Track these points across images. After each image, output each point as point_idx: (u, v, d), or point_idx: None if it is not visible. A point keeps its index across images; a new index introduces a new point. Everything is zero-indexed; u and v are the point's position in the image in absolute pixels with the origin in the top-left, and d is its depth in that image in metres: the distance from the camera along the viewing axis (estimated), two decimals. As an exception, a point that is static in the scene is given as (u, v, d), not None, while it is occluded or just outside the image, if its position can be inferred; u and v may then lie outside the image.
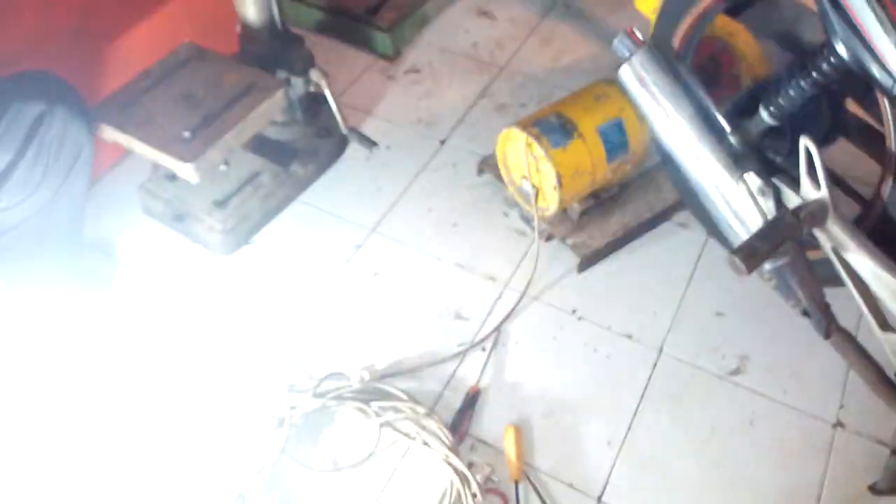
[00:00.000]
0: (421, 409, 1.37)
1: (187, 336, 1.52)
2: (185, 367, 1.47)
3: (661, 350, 1.48)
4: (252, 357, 1.47)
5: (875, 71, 1.03)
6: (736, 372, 1.44)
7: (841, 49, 1.07)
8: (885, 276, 1.10)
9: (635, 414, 1.39)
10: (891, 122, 1.17)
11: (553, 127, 1.50)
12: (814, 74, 1.14)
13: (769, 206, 1.19)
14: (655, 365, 1.46)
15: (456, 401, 1.41)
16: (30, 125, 1.27)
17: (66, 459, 1.33)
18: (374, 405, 1.38)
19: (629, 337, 1.50)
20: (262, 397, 1.38)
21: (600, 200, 1.63)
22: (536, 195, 1.56)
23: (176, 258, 1.66)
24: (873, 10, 0.99)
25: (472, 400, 1.40)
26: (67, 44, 1.58)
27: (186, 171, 1.41)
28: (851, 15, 1.02)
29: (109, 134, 1.49)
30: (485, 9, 2.26)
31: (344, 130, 1.72)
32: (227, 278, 1.63)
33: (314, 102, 1.74)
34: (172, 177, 1.66)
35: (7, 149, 1.25)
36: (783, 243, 1.11)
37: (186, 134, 1.43)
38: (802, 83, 1.17)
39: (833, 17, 1.06)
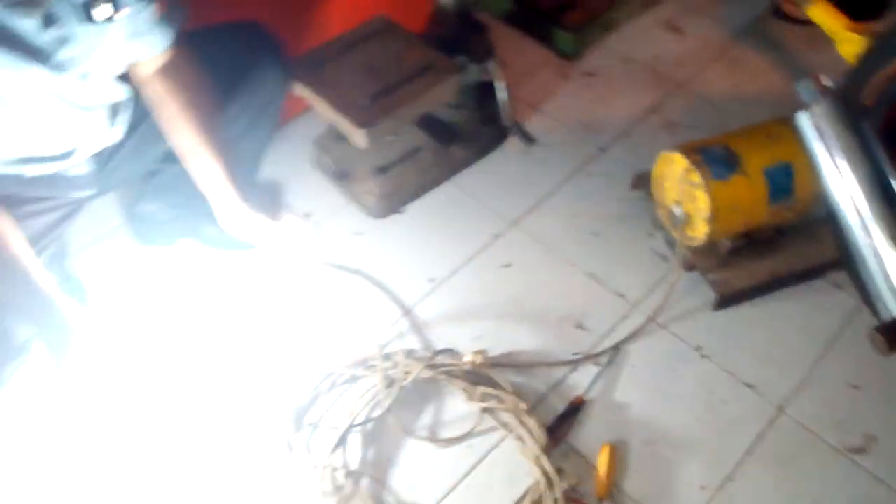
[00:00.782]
0: (523, 405, 1.41)
1: (326, 285, 1.65)
2: (317, 315, 1.60)
3: (781, 409, 1.42)
4: (377, 318, 1.58)
5: None
6: (858, 451, 1.36)
7: None
8: None
9: (738, 466, 1.35)
10: None
11: (717, 157, 1.46)
12: None
13: (935, 289, 1.11)
14: (772, 422, 1.40)
15: (558, 406, 1.43)
16: (237, 67, 1.42)
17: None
18: (480, 390, 1.43)
19: (751, 387, 1.45)
20: (380, 357, 1.47)
21: (753, 241, 1.57)
22: (686, 223, 1.53)
23: (333, 212, 1.80)
24: None
25: (575, 408, 1.42)
26: (274, 2, 1.73)
27: (359, 135, 1.52)
28: None
29: (298, 89, 1.63)
30: (675, 24, 2.20)
31: (508, 123, 1.77)
32: (374, 239, 1.74)
33: (486, 90, 1.79)
34: (344, 137, 1.79)
35: (220, 81, 1.39)
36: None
37: (365, 101, 1.54)
38: None
39: None
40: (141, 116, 1.35)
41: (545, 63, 2.12)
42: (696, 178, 1.45)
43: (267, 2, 1.71)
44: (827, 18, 1.73)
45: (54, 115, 1.17)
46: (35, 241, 1.29)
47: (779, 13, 2.11)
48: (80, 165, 1.31)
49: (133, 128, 1.35)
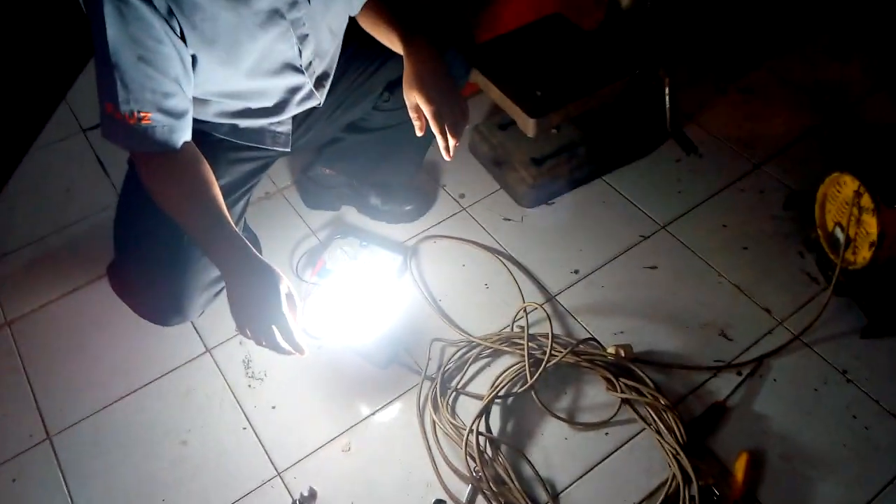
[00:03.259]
0: (664, 401, 1.44)
1: (476, 264, 1.73)
2: (467, 290, 1.68)
3: (929, 444, 1.40)
4: (524, 299, 1.64)
5: None
6: None
7: None
8: None
9: (881, 493, 1.34)
10: None
11: (893, 183, 1.44)
12: None
13: None
14: (918, 456, 1.38)
15: (697, 409, 1.46)
16: None
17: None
18: (622, 381, 1.48)
19: (897, 418, 1.44)
20: (526, 337, 1.53)
21: (914, 273, 1.54)
22: (847, 246, 1.52)
23: (485, 196, 1.88)
24: None
25: (715, 412, 1.44)
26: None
27: (528, 125, 1.59)
28: None
29: (475, 76, 1.71)
30: (840, 50, 2.17)
31: (668, 128, 1.80)
32: (522, 227, 1.81)
33: (649, 94, 1.83)
34: (504, 126, 1.87)
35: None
36: None
37: (538, 93, 1.61)
38: None
39: None
40: (337, 86, 1.46)
41: (703, 75, 2.14)
42: (868, 202, 1.44)
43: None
44: None
45: (273, 74, 1.28)
46: (235, 187, 1.43)
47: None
48: (284, 124, 1.43)
49: (329, 96, 1.46)
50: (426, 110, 1.32)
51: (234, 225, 1.17)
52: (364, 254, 1.70)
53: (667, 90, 1.75)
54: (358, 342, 1.53)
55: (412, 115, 1.36)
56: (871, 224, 1.44)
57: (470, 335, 1.58)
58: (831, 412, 1.45)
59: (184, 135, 1.16)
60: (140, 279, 1.34)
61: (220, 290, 1.42)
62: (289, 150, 1.48)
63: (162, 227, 1.25)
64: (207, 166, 1.21)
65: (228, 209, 1.20)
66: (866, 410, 1.45)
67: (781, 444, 1.41)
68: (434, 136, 1.37)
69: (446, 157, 1.37)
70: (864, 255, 1.49)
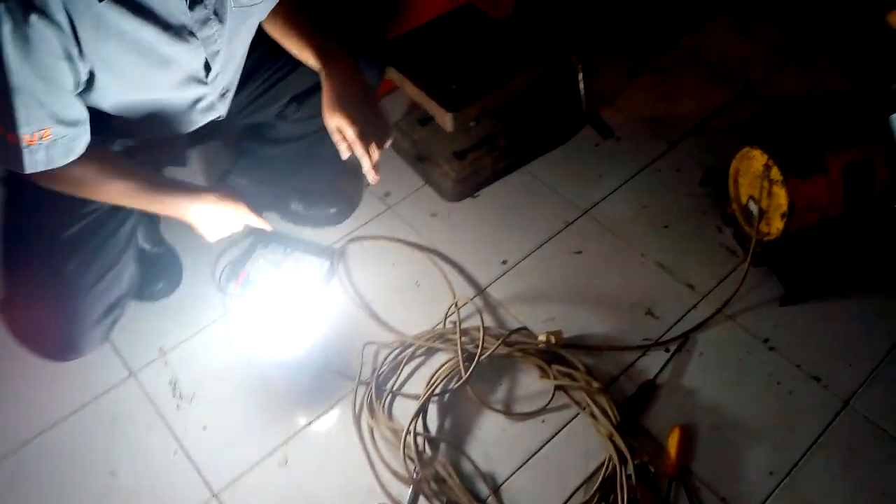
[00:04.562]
0: (596, 384, 1.46)
1: (404, 262, 1.72)
2: (396, 290, 1.67)
3: (847, 402, 1.46)
4: (454, 294, 1.63)
5: None
6: (925, 447, 1.40)
7: None
8: None
9: (805, 454, 1.39)
10: None
11: (799, 155, 1.50)
12: None
13: None
14: (838, 415, 1.44)
15: (629, 389, 1.49)
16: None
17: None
18: (554, 368, 1.49)
19: (817, 380, 1.49)
20: (458, 332, 1.53)
21: (825, 238, 1.60)
22: (760, 218, 1.57)
23: (410, 193, 1.86)
24: None
25: (646, 390, 1.47)
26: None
27: (446, 119, 1.58)
28: None
29: (390, 72, 1.69)
30: (746, 26, 2.23)
31: (585, 114, 1.82)
32: (449, 221, 1.80)
33: (564, 82, 1.84)
34: (424, 121, 1.86)
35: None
36: None
37: (453, 87, 1.60)
38: None
39: None
40: (241, 91, 1.41)
41: (617, 58, 2.17)
42: (776, 174, 1.49)
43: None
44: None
45: (177, 87, 1.22)
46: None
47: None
48: (181, 137, 1.38)
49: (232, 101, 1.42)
50: (350, 133, 1.29)
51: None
52: (289, 261, 1.67)
53: (580, 76, 1.77)
54: (288, 353, 1.50)
55: (335, 137, 1.32)
56: (782, 195, 1.49)
57: (403, 335, 1.56)
58: (756, 380, 1.50)
59: (83, 140, 1.11)
60: (28, 318, 1.29)
61: (115, 321, 1.37)
62: (185, 165, 1.44)
63: (47, 264, 1.22)
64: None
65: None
66: (789, 376, 1.51)
67: (711, 416, 1.45)
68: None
69: (371, 179, 1.34)
70: (777, 225, 1.54)
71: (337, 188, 1.80)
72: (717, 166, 1.79)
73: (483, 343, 1.48)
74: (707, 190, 1.81)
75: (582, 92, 1.79)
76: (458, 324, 1.53)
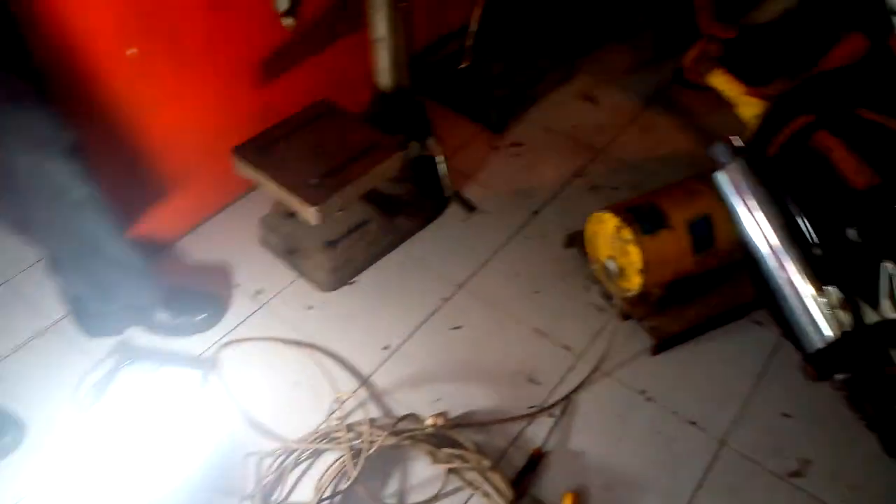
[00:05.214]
0: (486, 462, 1.45)
1: (282, 362, 1.67)
2: (275, 393, 1.62)
3: (723, 442, 1.53)
4: (337, 387, 1.60)
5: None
6: (796, 474, 1.47)
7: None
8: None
9: (691, 499, 1.44)
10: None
11: (645, 214, 1.60)
12: (900, 203, 1.22)
13: (847, 320, 1.25)
14: (716, 455, 1.51)
15: (520, 459, 1.49)
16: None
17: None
18: (444, 451, 1.48)
19: (694, 424, 1.56)
20: (343, 429, 1.49)
21: (681, 288, 1.70)
22: (620, 276, 1.65)
23: (283, 288, 1.83)
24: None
25: (535, 461, 1.48)
26: (224, 86, 1.81)
27: (309, 213, 1.58)
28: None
29: (245, 170, 1.68)
30: (590, 94, 2.40)
31: (448, 193, 1.87)
32: (326, 312, 1.78)
33: (426, 164, 1.90)
34: (290, 214, 1.85)
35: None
36: (857, 357, 1.17)
37: (314, 180, 1.61)
38: (888, 207, 1.24)
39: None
40: None
41: (475, 136, 2.26)
42: (628, 234, 1.58)
43: (215, 89, 1.79)
44: (726, 85, 1.94)
45: None
46: None
47: (682, 81, 2.34)
48: None
49: None
50: None
51: None
52: (158, 377, 1.58)
53: (439, 158, 1.83)
54: (159, 476, 1.41)
55: None
56: (635, 252, 1.58)
57: (286, 440, 1.51)
58: (638, 433, 1.55)
59: None
60: None
61: None
62: None
63: None
64: None
65: None
66: (667, 424, 1.56)
67: (601, 476, 1.48)
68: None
69: None
70: (636, 280, 1.62)
71: (203, 291, 1.75)
72: (577, 230, 1.88)
73: (370, 437, 1.45)
74: (572, 252, 1.89)
75: (443, 173, 1.85)
76: (342, 420, 1.50)
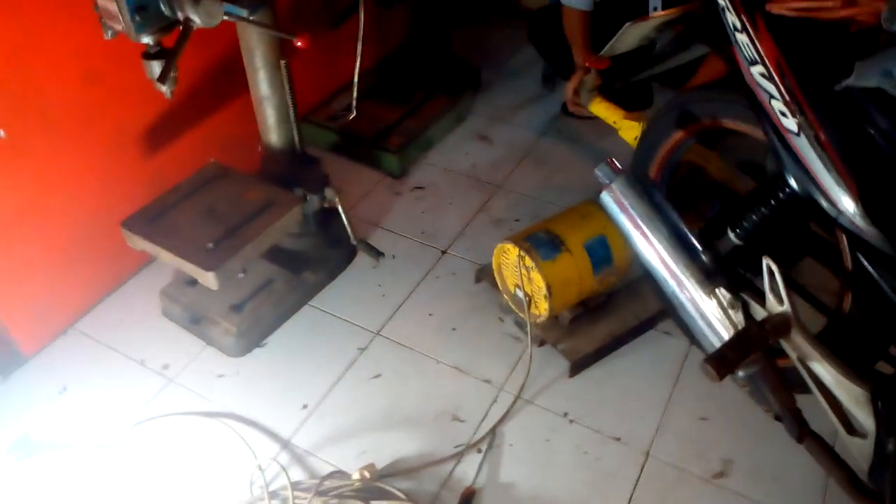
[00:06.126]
0: (418, 509, 1.43)
1: (197, 436, 1.60)
2: (192, 469, 1.54)
3: (648, 453, 1.55)
4: (256, 454, 1.54)
5: (822, 202, 1.18)
6: (720, 475, 1.51)
7: (792, 182, 1.23)
8: (846, 383, 1.20)
9: (624, 515, 1.45)
10: (845, 245, 1.30)
11: (543, 241, 1.64)
12: (772, 202, 1.29)
13: (739, 318, 1.31)
14: (643, 467, 1.53)
15: (452, 501, 1.47)
16: None
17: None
18: (374, 504, 1.44)
19: (618, 440, 1.58)
20: (266, 494, 1.44)
21: (589, 308, 1.75)
22: (529, 303, 1.68)
23: (191, 359, 1.77)
24: (816, 151, 1.15)
25: (467, 500, 1.46)
26: (104, 161, 1.76)
27: (208, 279, 1.54)
28: (799, 155, 1.18)
29: (138, 243, 1.63)
30: (483, 134, 2.47)
31: (353, 242, 1.87)
32: (239, 378, 1.72)
33: (327, 216, 1.89)
34: (192, 282, 1.79)
35: None
36: (751, 353, 1.22)
37: (210, 245, 1.58)
38: (763, 209, 1.32)
39: (784, 155, 1.21)
40: None
41: (377, 184, 2.28)
42: (529, 262, 1.62)
43: (98, 164, 1.74)
44: (606, 111, 2.04)
45: None
46: None
47: (568, 112, 2.44)
48: None
49: None
50: None
51: None
52: (61, 467, 1.48)
53: (340, 208, 1.83)
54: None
55: None
56: (539, 279, 1.61)
57: (206, 516, 1.44)
58: (566, 456, 1.56)
59: None
60: None
61: None
62: None
63: None
64: None
65: None
66: (592, 443, 1.58)
67: (534, 505, 1.47)
68: None
69: None
70: (544, 305, 1.65)
71: None
72: (486, 263, 1.91)
73: (294, 500, 1.40)
74: (482, 286, 1.91)
75: (346, 222, 1.85)
76: (265, 488, 1.44)
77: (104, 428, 1.61)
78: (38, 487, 1.50)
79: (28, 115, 1.56)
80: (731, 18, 1.19)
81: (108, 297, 1.91)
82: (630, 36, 1.68)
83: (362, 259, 2.00)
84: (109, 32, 1.40)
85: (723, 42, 1.22)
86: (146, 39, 1.39)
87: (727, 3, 1.21)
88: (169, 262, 1.61)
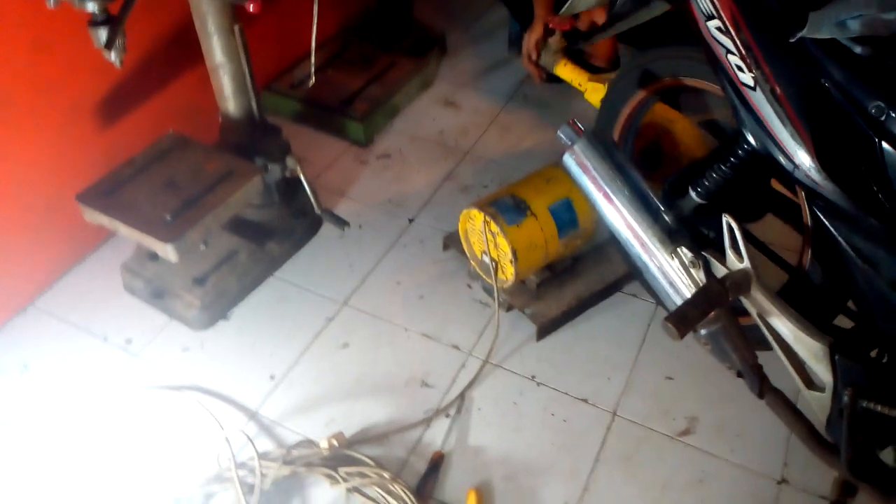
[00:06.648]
0: (387, 475, 1.43)
1: (163, 409, 1.59)
2: (159, 441, 1.53)
3: (614, 413, 1.57)
4: (223, 426, 1.53)
5: (779, 157, 1.17)
6: (685, 433, 1.53)
7: (750, 138, 1.22)
8: (805, 338, 1.21)
9: (590, 474, 1.47)
10: (804, 201, 1.31)
11: (508, 206, 1.63)
12: (731, 159, 1.29)
13: (700, 277, 1.32)
14: (609, 427, 1.54)
15: (422, 466, 1.48)
16: None
17: None
18: (342, 471, 1.44)
19: (585, 401, 1.59)
20: (233, 465, 1.43)
21: (555, 273, 1.75)
22: (496, 269, 1.68)
23: (156, 333, 1.74)
24: (772, 106, 1.14)
25: (435, 465, 1.47)
26: (58, 135, 1.71)
27: (166, 251, 1.51)
28: (756, 110, 1.17)
29: (94, 217, 1.59)
30: (450, 99, 2.44)
31: (318, 212, 1.84)
32: (205, 351, 1.71)
33: (290, 186, 1.86)
34: (154, 256, 1.77)
35: None
36: (711, 310, 1.23)
37: (168, 217, 1.54)
38: (723, 167, 1.31)
39: (742, 111, 1.21)
40: None
41: (342, 153, 2.25)
42: (494, 227, 1.61)
43: (50, 137, 1.69)
44: (572, 74, 2.02)
45: None
46: None
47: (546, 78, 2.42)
48: None
49: None
50: None
51: None
52: (20, 446, 1.46)
53: (302, 177, 1.80)
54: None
55: None
56: (504, 244, 1.61)
57: (175, 490, 1.42)
58: (534, 419, 1.57)
59: None
60: None
61: None
62: None
63: None
64: None
65: None
66: (560, 404, 1.59)
67: (503, 468, 1.48)
68: None
69: None
70: (510, 270, 1.65)
71: None
72: (453, 231, 1.89)
73: (261, 470, 1.40)
74: (450, 254, 1.90)
75: (308, 190, 1.82)
76: (232, 458, 1.43)
77: (68, 405, 1.59)
78: (2, 467, 1.48)
79: (-28, 86, 1.51)
80: (689, -27, 1.18)
81: (68, 273, 1.88)
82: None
83: (328, 229, 1.98)
84: (52, 1, 1.35)
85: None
86: (90, 6, 1.34)
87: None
88: (127, 235, 1.58)
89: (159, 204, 1.58)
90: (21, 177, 1.67)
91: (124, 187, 1.63)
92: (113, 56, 1.37)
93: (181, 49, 1.90)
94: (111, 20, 1.35)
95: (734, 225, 1.22)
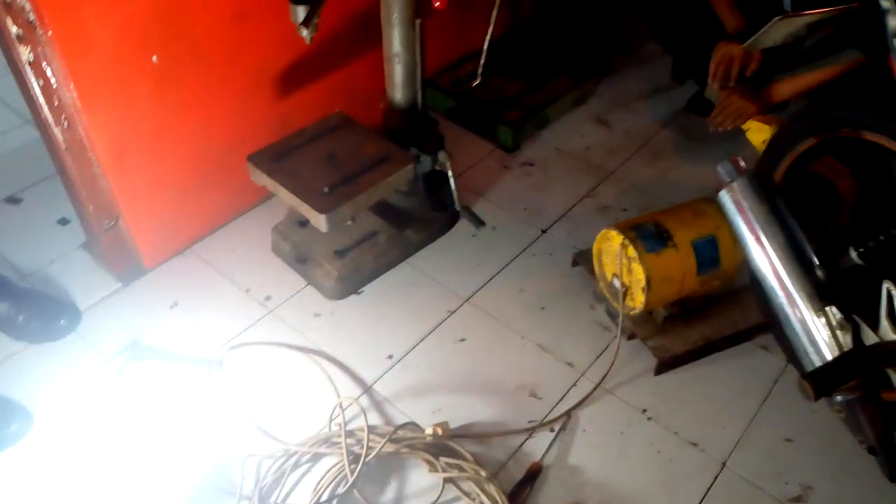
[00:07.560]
0: (484, 473, 1.46)
1: (288, 367, 1.70)
2: (280, 396, 1.64)
3: (724, 464, 1.51)
4: (339, 393, 1.62)
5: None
6: (797, 500, 1.46)
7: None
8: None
9: (689, 520, 1.43)
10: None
11: (650, 233, 1.61)
12: (905, 227, 1.22)
13: (847, 340, 1.25)
14: (717, 477, 1.49)
15: (518, 473, 1.49)
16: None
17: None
18: (442, 460, 1.48)
19: (695, 445, 1.55)
20: (343, 434, 1.50)
21: (685, 309, 1.70)
22: (625, 294, 1.66)
23: (292, 295, 1.86)
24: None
25: (533, 474, 1.48)
26: (242, 96, 1.87)
27: (319, 220, 1.61)
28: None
29: (260, 178, 1.72)
30: (603, 118, 2.43)
31: (458, 207, 1.90)
32: (333, 320, 1.80)
33: (436, 179, 1.93)
34: (303, 223, 1.88)
35: None
36: (854, 377, 1.17)
37: (325, 189, 1.65)
38: (893, 231, 1.24)
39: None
40: None
41: (487, 154, 2.30)
42: (632, 252, 1.59)
43: (234, 99, 1.84)
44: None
45: None
46: None
47: (696, 108, 2.35)
48: None
49: None
50: None
51: None
52: (165, 376, 1.61)
53: (450, 173, 1.86)
54: (161, 471, 1.43)
55: None
56: (639, 271, 1.59)
57: (286, 443, 1.52)
58: (638, 451, 1.54)
59: None
60: None
61: None
62: None
63: None
64: None
65: None
66: (668, 443, 1.56)
67: (598, 493, 1.47)
68: None
69: None
70: (640, 298, 1.63)
71: (62, 298, 1.79)
72: (585, 249, 1.89)
73: (368, 443, 1.46)
74: (578, 271, 1.90)
75: (453, 187, 1.88)
76: (342, 425, 1.51)
77: (205, 345, 1.73)
78: (140, 387, 1.63)
79: (179, 45, 1.67)
80: (894, 23, 1.12)
81: (225, 226, 2.04)
82: (777, 31, 1.60)
83: (463, 225, 2.03)
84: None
85: (879, 50, 1.15)
86: (298, -13, 1.45)
87: (892, 4, 1.13)
88: (286, 199, 1.70)
89: (319, 176, 1.68)
90: (202, 129, 1.83)
91: (290, 155, 1.75)
92: (305, 32, 1.48)
93: (362, 35, 2.01)
94: (312, 0, 1.46)
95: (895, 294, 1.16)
